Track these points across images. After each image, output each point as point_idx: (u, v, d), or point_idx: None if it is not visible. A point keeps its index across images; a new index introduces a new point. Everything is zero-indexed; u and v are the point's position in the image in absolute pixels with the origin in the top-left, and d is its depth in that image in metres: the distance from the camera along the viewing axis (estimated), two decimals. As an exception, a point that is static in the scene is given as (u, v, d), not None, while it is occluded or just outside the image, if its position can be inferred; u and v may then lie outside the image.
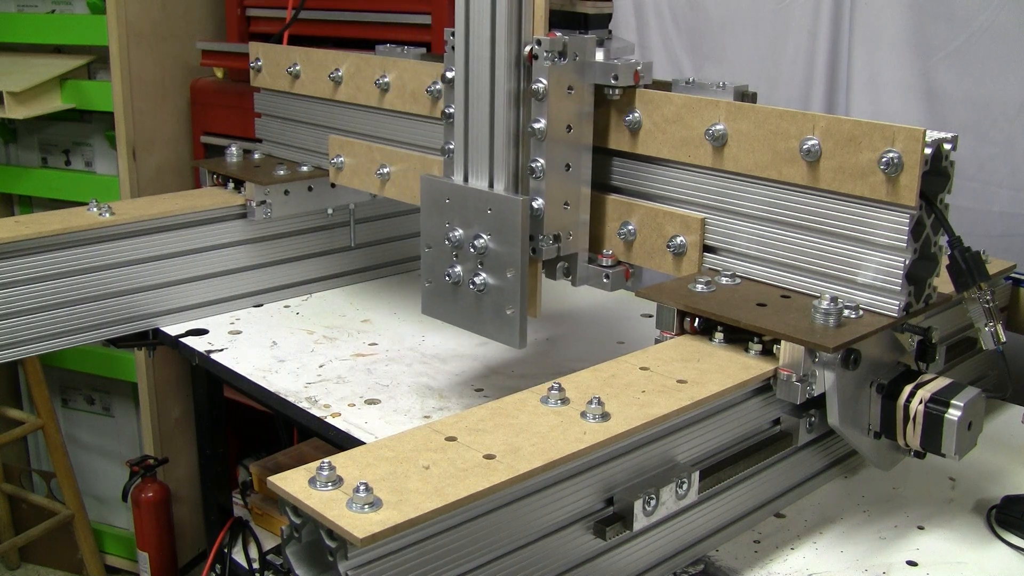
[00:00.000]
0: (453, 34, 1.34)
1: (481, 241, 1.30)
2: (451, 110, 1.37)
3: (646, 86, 1.34)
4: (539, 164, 1.29)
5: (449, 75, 1.36)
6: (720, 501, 1.15)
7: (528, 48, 1.28)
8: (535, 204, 1.30)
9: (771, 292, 1.23)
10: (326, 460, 0.86)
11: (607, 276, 1.37)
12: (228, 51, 2.66)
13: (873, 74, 1.91)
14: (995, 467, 1.36)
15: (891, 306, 1.14)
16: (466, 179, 1.36)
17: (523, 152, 1.31)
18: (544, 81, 1.26)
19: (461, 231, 1.32)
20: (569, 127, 1.31)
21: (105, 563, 3.26)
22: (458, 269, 1.34)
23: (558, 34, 1.28)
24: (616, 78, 1.31)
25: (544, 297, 1.89)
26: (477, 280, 1.31)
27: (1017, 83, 1.74)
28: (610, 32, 1.37)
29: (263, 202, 1.85)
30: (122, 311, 1.75)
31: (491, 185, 1.33)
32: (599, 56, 1.32)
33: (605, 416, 0.99)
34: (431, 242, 1.37)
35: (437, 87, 1.56)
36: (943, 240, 1.16)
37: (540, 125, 1.28)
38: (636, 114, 1.32)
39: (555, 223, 1.33)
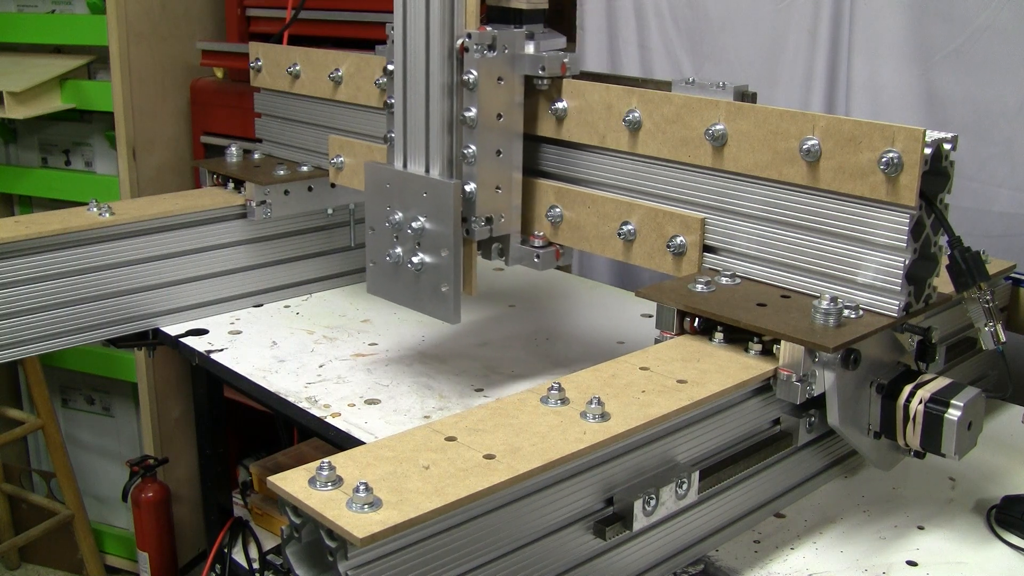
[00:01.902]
0: (393, 28, 1.41)
1: (418, 223, 1.38)
2: (392, 100, 1.44)
3: (575, 76, 1.40)
4: (471, 151, 1.36)
5: (390, 67, 1.44)
6: (720, 501, 1.15)
7: (460, 41, 1.35)
8: (468, 188, 1.37)
9: (771, 292, 1.23)
10: (326, 460, 0.86)
11: (538, 256, 1.45)
12: (228, 51, 2.66)
13: (873, 74, 1.91)
14: (995, 467, 1.36)
15: (891, 306, 1.14)
16: (405, 165, 1.43)
17: (457, 139, 1.38)
18: (475, 72, 1.33)
19: (401, 214, 1.40)
20: (499, 115, 1.38)
21: (105, 563, 3.26)
22: (398, 250, 1.41)
23: (488, 28, 1.35)
24: (543, 69, 1.38)
25: (544, 297, 1.88)
26: (415, 260, 1.39)
27: (1017, 83, 1.74)
28: (544, 27, 1.41)
29: (263, 202, 1.85)
30: (122, 311, 1.75)
31: (427, 170, 1.41)
32: (529, 49, 1.39)
33: (605, 416, 0.99)
34: (374, 224, 1.45)
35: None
36: (943, 240, 1.16)
37: (471, 114, 1.35)
38: (636, 113, 1.32)
39: (487, 206, 1.39)
